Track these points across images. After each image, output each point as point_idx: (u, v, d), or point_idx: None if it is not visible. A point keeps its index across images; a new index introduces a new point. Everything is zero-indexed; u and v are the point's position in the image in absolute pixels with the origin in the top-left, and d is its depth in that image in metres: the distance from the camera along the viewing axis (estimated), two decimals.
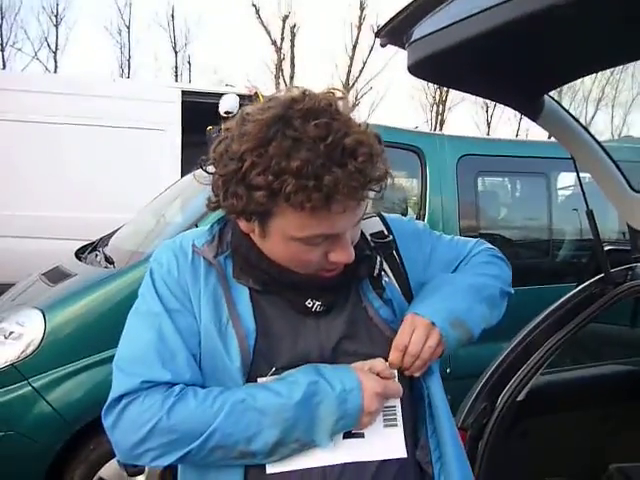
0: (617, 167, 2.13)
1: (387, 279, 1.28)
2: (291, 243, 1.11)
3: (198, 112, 6.98)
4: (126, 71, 23.78)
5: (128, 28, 23.87)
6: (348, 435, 1.16)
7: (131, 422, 1.12)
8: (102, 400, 3.17)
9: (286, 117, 1.04)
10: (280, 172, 1.00)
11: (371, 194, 1.09)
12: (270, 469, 1.15)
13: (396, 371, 1.21)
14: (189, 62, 24.63)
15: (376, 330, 1.23)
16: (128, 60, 24.01)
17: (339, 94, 1.12)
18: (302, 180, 1.00)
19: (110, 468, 2.98)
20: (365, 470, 1.17)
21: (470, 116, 33.62)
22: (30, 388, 2.88)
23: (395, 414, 1.22)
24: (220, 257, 1.23)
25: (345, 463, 1.16)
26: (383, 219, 1.38)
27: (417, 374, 1.22)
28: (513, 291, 1.47)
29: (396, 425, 1.21)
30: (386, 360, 1.20)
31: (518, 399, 2.15)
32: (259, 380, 1.15)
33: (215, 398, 1.11)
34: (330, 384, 1.12)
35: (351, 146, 1.03)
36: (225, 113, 6.42)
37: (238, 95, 7.58)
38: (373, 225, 1.35)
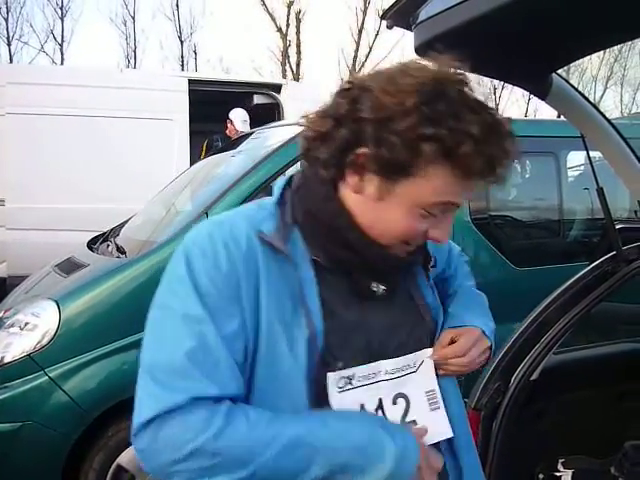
0: (627, 145, 2.12)
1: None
2: (411, 209, 1.08)
3: (205, 101, 7.00)
4: (132, 62, 23.72)
5: (133, 19, 23.75)
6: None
7: (169, 440, 1.00)
8: (118, 388, 3.18)
9: (446, 84, 1.04)
10: (458, 132, 1.00)
11: None
12: None
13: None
14: (195, 51, 24.51)
15: (420, 315, 1.25)
16: (134, 51, 23.92)
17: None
18: (480, 145, 1.01)
19: (128, 455, 3.01)
20: None
21: None
22: (46, 378, 2.91)
23: (436, 397, 1.22)
24: (288, 244, 1.11)
25: None
26: None
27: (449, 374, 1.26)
28: None
29: (439, 407, 1.22)
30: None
31: (532, 378, 2.15)
32: (329, 375, 1.09)
33: (268, 425, 1.02)
34: (392, 438, 1.07)
35: (507, 124, 1.07)
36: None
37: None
38: None
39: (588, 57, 1.83)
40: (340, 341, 1.11)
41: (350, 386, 1.12)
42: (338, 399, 1.10)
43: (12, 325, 3.07)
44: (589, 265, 2.33)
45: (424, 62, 1.09)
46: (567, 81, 1.95)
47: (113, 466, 3.01)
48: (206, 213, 3.23)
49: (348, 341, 1.13)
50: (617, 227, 2.31)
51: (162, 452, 1.00)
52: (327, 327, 1.09)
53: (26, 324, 3.03)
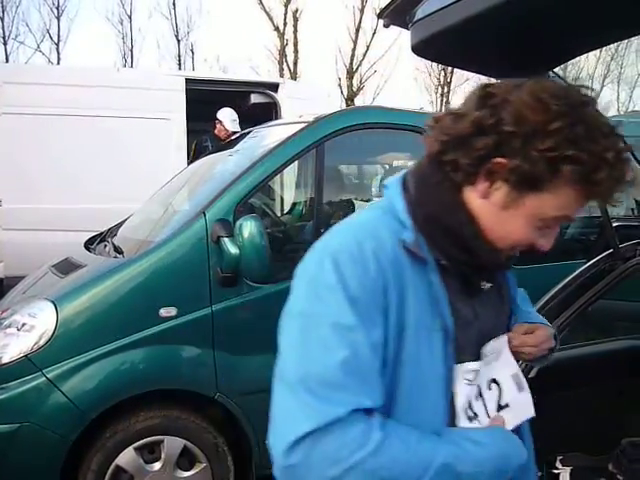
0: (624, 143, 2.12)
1: None
2: (531, 220, 1.11)
3: (202, 100, 7.00)
4: (129, 61, 23.68)
5: (130, 18, 23.73)
6: (499, 408, 1.24)
7: (327, 456, 0.97)
8: (116, 389, 3.15)
9: (585, 107, 1.07)
10: (596, 156, 1.04)
11: None
12: None
13: None
14: (192, 50, 24.49)
15: (504, 305, 1.32)
16: (131, 50, 23.90)
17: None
18: (612, 171, 1.05)
19: (127, 456, 3.02)
20: None
21: None
22: (44, 379, 2.91)
23: (520, 379, 1.29)
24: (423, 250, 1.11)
25: None
26: None
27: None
28: None
29: (525, 389, 1.30)
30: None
31: (530, 376, 2.15)
32: (458, 368, 1.15)
33: (417, 444, 1.03)
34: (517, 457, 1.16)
35: (628, 149, 1.10)
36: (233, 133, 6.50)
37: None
38: None
39: (584, 55, 1.83)
40: (463, 335, 1.16)
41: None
42: (461, 391, 1.16)
43: (9, 326, 3.06)
44: (586, 263, 2.33)
45: (560, 83, 1.13)
46: (564, 79, 1.95)
47: (111, 467, 3.00)
48: (204, 213, 3.22)
49: (468, 334, 1.18)
50: (614, 225, 2.31)
51: (317, 468, 0.98)
52: (455, 325, 1.12)
53: (23, 325, 3.02)
